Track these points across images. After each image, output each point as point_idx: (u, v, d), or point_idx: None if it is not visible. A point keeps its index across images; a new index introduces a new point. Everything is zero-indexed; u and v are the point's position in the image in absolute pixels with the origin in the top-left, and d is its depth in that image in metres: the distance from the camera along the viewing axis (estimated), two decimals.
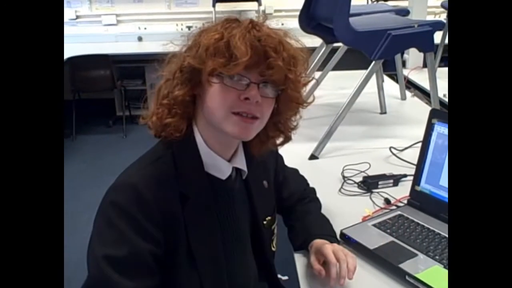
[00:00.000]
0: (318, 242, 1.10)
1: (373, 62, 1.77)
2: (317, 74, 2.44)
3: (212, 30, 0.87)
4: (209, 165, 0.94)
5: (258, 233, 1.07)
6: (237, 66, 0.83)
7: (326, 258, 1.04)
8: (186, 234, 0.89)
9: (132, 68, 4.87)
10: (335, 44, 2.19)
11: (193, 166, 0.92)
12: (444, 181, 1.28)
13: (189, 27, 4.71)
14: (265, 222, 1.08)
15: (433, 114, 1.33)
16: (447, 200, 1.26)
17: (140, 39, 5.09)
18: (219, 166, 0.96)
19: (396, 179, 1.54)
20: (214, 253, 0.94)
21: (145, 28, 5.11)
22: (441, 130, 1.29)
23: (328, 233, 1.15)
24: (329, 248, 1.05)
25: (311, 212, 1.22)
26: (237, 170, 1.02)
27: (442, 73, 3.23)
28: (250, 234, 1.07)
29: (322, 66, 2.37)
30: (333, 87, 2.58)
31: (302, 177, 1.35)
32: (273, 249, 1.13)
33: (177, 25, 5.02)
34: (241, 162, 1.00)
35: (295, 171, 1.37)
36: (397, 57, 2.66)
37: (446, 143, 1.27)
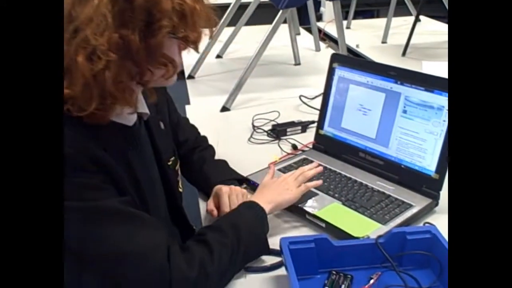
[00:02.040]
0: (217, 187, 1.12)
1: (280, 12, 1.76)
2: (230, 30, 2.42)
3: None
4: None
5: (166, 175, 1.05)
6: None
7: (220, 200, 1.08)
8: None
9: None
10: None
11: None
12: (345, 123, 1.31)
13: None
14: (170, 163, 1.07)
15: (333, 59, 1.35)
16: (348, 141, 1.30)
17: None
18: (124, 114, 0.92)
19: (304, 126, 1.56)
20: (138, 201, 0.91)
21: None
22: (342, 74, 1.32)
23: (225, 177, 1.17)
24: (225, 191, 1.09)
25: (206, 159, 1.22)
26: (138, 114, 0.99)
27: (357, 25, 3.30)
28: (160, 177, 1.05)
29: (235, 22, 2.35)
30: (248, 41, 2.56)
31: (193, 125, 1.35)
32: (180, 190, 1.12)
33: None
34: (142, 106, 0.97)
35: (187, 119, 1.36)
36: (311, 9, 2.67)
37: (347, 86, 1.30)
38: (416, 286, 0.89)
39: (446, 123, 1.11)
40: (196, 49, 0.84)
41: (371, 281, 0.90)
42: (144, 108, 0.95)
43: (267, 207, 0.99)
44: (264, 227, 0.97)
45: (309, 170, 1.14)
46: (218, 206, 1.09)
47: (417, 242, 0.93)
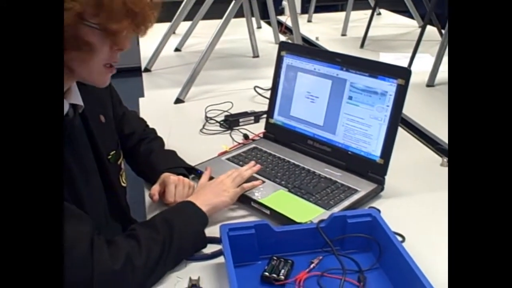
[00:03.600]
0: (165, 174, 1.11)
1: (233, 3, 1.75)
2: (187, 24, 2.40)
3: None
4: None
5: (104, 169, 1.03)
6: None
7: (166, 189, 1.07)
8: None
9: None
10: None
11: None
12: (294, 111, 1.31)
13: None
14: (109, 157, 1.04)
15: (282, 47, 1.34)
16: (297, 129, 1.30)
17: None
18: None
19: (257, 116, 1.56)
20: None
21: None
22: (290, 62, 1.31)
23: (172, 165, 1.16)
24: (172, 181, 1.08)
25: (154, 150, 1.21)
26: (73, 106, 0.97)
27: (318, 19, 3.31)
28: (97, 170, 1.02)
29: (193, 16, 2.34)
30: (208, 35, 2.54)
31: (142, 118, 1.33)
32: (123, 184, 1.10)
33: None
34: (76, 98, 0.94)
35: (135, 112, 1.34)
36: (270, 3, 2.66)
37: (295, 74, 1.30)
38: (356, 269, 0.89)
39: (390, 108, 1.11)
40: (116, 43, 0.81)
41: (312, 265, 0.90)
42: (78, 100, 0.93)
43: (203, 209, 0.98)
44: (199, 223, 0.96)
45: (246, 170, 1.12)
46: (162, 194, 1.08)
47: (358, 226, 0.93)
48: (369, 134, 1.15)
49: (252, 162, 1.18)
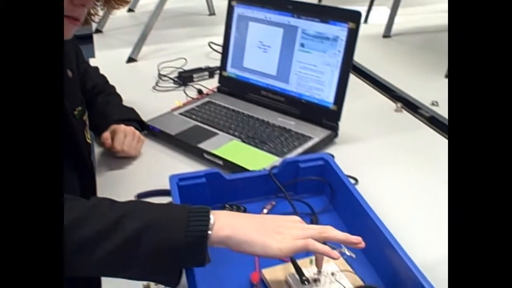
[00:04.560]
0: (115, 124, 1.09)
1: None
2: None
3: None
4: None
5: (70, 124, 0.99)
6: None
7: (115, 136, 1.05)
8: None
9: None
10: None
11: None
12: (247, 63, 1.28)
13: None
14: (76, 113, 1.00)
15: None
16: (250, 81, 1.27)
17: None
18: None
19: (212, 71, 1.52)
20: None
21: None
22: (241, 11, 1.28)
23: (125, 116, 1.13)
24: (122, 129, 1.06)
25: (111, 102, 1.18)
26: None
27: None
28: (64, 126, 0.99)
29: None
30: None
31: (103, 74, 1.29)
32: (88, 141, 1.07)
33: None
34: None
35: (97, 67, 1.29)
36: None
37: (246, 24, 1.26)
38: (309, 212, 0.89)
39: (342, 53, 1.10)
40: None
41: (264, 211, 0.89)
42: None
43: (221, 231, 0.62)
44: (190, 235, 0.60)
45: (338, 233, 0.69)
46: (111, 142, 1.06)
47: (310, 170, 0.93)
48: (322, 81, 1.14)
49: (358, 238, 0.70)
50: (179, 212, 0.62)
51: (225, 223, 0.63)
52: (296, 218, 0.69)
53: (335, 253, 0.65)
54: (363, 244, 0.68)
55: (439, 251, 0.82)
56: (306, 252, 0.66)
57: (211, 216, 0.63)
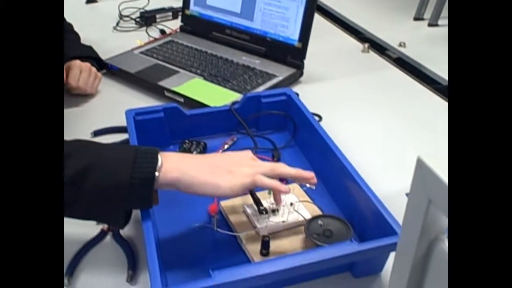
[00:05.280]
0: (71, 61, 1.04)
1: None
2: None
3: None
4: None
5: None
6: None
7: (69, 72, 1.01)
8: None
9: None
10: None
11: None
12: (210, 0, 1.23)
13: None
14: None
15: None
16: (214, 19, 1.23)
17: None
18: None
19: (175, 12, 1.46)
20: None
21: None
22: None
23: (82, 53, 1.09)
24: (78, 65, 1.02)
25: (68, 39, 1.14)
26: None
27: None
28: None
29: None
30: None
31: None
32: None
33: None
34: None
35: None
36: None
37: None
38: (271, 147, 0.88)
39: None
40: None
41: (225, 146, 0.87)
42: None
43: (169, 174, 0.60)
44: (134, 176, 0.58)
45: (291, 168, 0.66)
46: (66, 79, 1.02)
47: (273, 105, 0.90)
48: (287, 18, 1.10)
49: (311, 174, 0.67)
50: (126, 153, 0.60)
51: (173, 165, 0.60)
52: (248, 154, 0.67)
53: (285, 187, 0.64)
54: (315, 180, 0.67)
55: (398, 184, 0.81)
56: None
57: (159, 158, 0.60)
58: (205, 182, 0.60)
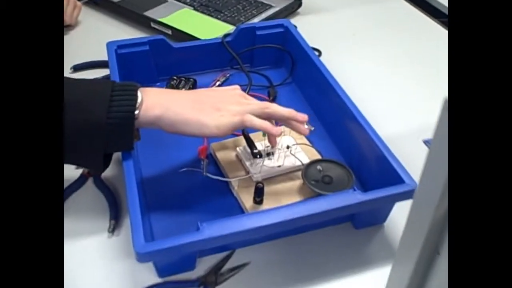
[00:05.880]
0: None
1: None
2: None
3: None
4: None
5: None
6: None
7: None
8: None
9: None
10: None
11: None
12: None
13: None
14: None
15: None
16: None
17: None
18: None
19: None
20: None
21: None
22: None
23: None
24: None
25: None
26: None
27: None
28: None
29: None
30: None
31: None
32: None
33: None
34: None
35: None
36: None
37: None
38: (267, 85, 0.81)
39: None
40: None
41: (217, 83, 0.80)
42: None
43: (150, 111, 0.53)
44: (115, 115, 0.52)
45: (288, 112, 0.59)
46: None
47: (269, 38, 0.82)
48: None
49: (304, 117, 0.60)
50: (102, 89, 0.53)
51: (155, 101, 0.54)
52: (236, 90, 0.60)
53: (276, 128, 0.57)
54: (305, 129, 0.60)
55: (403, 127, 0.76)
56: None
57: (139, 94, 0.53)
58: (190, 120, 0.54)
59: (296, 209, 0.50)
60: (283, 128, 0.61)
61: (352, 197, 0.51)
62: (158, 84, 0.80)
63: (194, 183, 0.62)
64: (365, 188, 0.62)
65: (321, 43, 0.90)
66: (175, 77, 0.79)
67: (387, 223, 0.60)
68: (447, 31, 1.00)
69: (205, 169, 0.61)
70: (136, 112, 0.52)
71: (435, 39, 0.97)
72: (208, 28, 0.90)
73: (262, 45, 0.82)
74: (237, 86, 0.61)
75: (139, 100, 0.52)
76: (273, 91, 0.78)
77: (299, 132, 0.60)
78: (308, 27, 0.95)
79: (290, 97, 0.79)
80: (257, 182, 0.57)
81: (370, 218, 0.58)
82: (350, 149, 0.66)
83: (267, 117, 0.58)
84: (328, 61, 0.81)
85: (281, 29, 0.83)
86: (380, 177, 0.57)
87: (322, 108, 0.74)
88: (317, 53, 0.88)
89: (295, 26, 0.86)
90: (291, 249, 0.56)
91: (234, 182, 0.60)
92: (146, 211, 0.57)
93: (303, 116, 0.59)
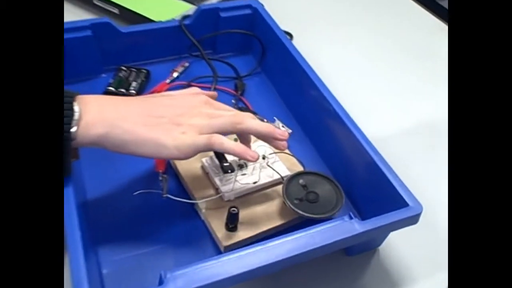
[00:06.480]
0: None
1: None
2: None
3: None
4: None
5: None
6: None
7: None
8: None
9: None
10: None
11: None
12: None
13: None
14: None
15: None
16: None
17: None
18: None
19: None
20: None
21: None
22: None
23: None
24: None
25: None
26: None
27: None
28: None
29: None
30: None
31: None
32: None
33: None
34: None
35: None
36: None
37: None
38: (233, 75, 0.70)
39: None
40: None
41: (174, 74, 0.68)
42: None
43: (92, 129, 0.42)
44: None
45: (266, 128, 0.48)
46: None
47: (235, 21, 0.71)
48: None
49: (283, 133, 0.49)
50: None
51: (96, 116, 0.42)
52: (200, 96, 0.48)
53: (252, 153, 0.46)
54: (285, 144, 0.49)
55: (389, 124, 0.67)
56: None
57: (76, 107, 0.41)
58: (142, 139, 0.43)
59: (283, 248, 0.40)
60: None
61: (350, 228, 0.42)
62: (104, 75, 0.67)
63: (153, 206, 0.51)
64: (354, 205, 0.53)
65: (292, 26, 0.80)
66: (124, 68, 0.67)
67: (382, 246, 0.51)
68: (434, 17, 0.91)
69: (165, 188, 0.50)
70: (73, 129, 0.40)
71: (421, 24, 0.88)
72: (163, 7, 0.78)
73: (227, 30, 0.70)
74: (201, 90, 0.50)
75: (76, 115, 0.40)
76: (241, 84, 0.68)
77: (276, 148, 0.49)
78: (278, 7, 0.83)
79: (260, 90, 0.69)
80: (231, 207, 0.47)
81: (365, 245, 0.50)
82: (334, 155, 0.57)
83: (239, 132, 0.47)
84: (301, 47, 0.70)
85: (248, 11, 0.72)
86: (373, 190, 0.49)
87: (298, 104, 0.64)
88: (288, 37, 0.78)
89: (262, 5, 0.75)
90: (277, 285, 0.47)
91: (201, 204, 0.50)
92: (92, 248, 0.45)
93: (283, 133, 0.48)
